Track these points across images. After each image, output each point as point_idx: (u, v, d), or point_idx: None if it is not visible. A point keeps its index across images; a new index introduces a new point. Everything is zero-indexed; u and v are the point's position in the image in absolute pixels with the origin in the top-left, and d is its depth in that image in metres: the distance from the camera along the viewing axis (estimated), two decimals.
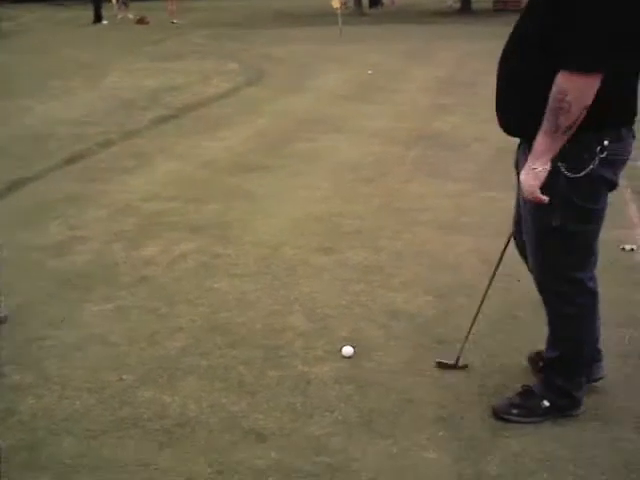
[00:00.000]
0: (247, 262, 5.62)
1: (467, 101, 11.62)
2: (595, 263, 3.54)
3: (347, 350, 4.24)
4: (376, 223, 6.38)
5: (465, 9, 32.17)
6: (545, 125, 3.09)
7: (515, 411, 3.63)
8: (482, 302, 4.03)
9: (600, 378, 3.82)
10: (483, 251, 5.59)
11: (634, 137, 3.32)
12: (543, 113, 3.09)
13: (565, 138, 3.09)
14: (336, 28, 21.87)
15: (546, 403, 3.60)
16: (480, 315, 4.14)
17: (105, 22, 28.69)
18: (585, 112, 3.02)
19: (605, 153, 3.18)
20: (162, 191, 7.41)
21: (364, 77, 14.55)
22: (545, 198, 3.16)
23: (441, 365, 4.10)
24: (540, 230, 3.39)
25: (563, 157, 3.16)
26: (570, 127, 3.05)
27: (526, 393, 3.68)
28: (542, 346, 3.78)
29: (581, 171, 3.19)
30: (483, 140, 8.92)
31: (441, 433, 3.54)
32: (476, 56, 16.70)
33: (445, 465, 3.32)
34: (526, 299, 4.74)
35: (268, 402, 3.82)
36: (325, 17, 26.78)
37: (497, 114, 3.41)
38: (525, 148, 3.32)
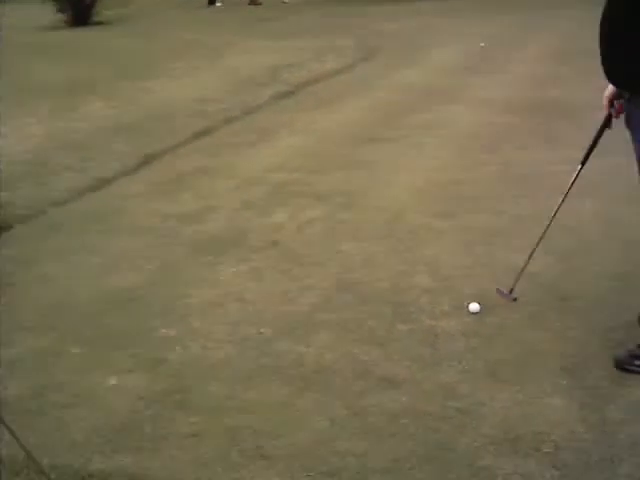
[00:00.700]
0: (371, 227, 5.85)
1: (582, 69, 11.48)
2: None
3: (474, 306, 4.43)
4: (496, 189, 6.53)
5: None
6: None
7: (637, 362, 3.77)
8: (544, 232, 4.42)
9: None
10: (603, 214, 5.72)
11: None
12: None
13: None
14: (448, 1, 21.82)
15: None
16: (606, 273, 4.32)
17: (219, 4, 29.09)
18: None
19: None
20: (286, 163, 7.70)
21: (477, 49, 14.56)
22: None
23: (498, 291, 4.48)
24: None
25: None
26: None
27: None
28: None
29: None
30: (599, 107, 8.86)
31: (565, 382, 3.71)
32: (591, 24, 16.40)
33: (570, 411, 3.49)
34: None
35: (398, 353, 4.05)
36: None
37: (606, 68, 3.55)
38: (636, 101, 3.44)
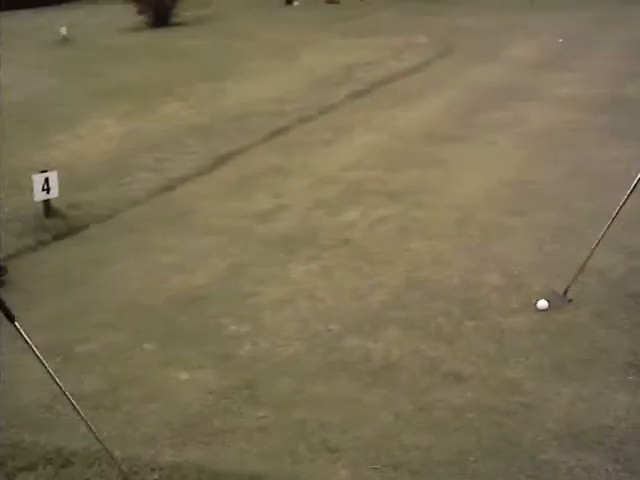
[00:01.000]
0: (442, 225, 5.89)
1: None
2: None
3: (542, 303, 4.45)
4: (568, 187, 6.50)
5: None
6: None
7: None
8: (607, 228, 4.42)
9: None
10: None
11: None
12: None
13: None
14: None
15: None
16: None
17: (296, 3, 29.29)
18: None
19: None
20: (361, 161, 7.77)
21: (554, 45, 14.41)
22: None
23: (552, 292, 4.46)
24: None
25: None
26: None
27: None
28: None
29: None
30: None
31: (631, 377, 3.73)
32: None
33: (634, 406, 3.51)
34: None
35: (465, 349, 4.10)
36: None
37: None
38: None
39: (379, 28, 18.66)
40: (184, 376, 4.08)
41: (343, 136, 8.89)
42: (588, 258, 4.45)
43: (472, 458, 3.25)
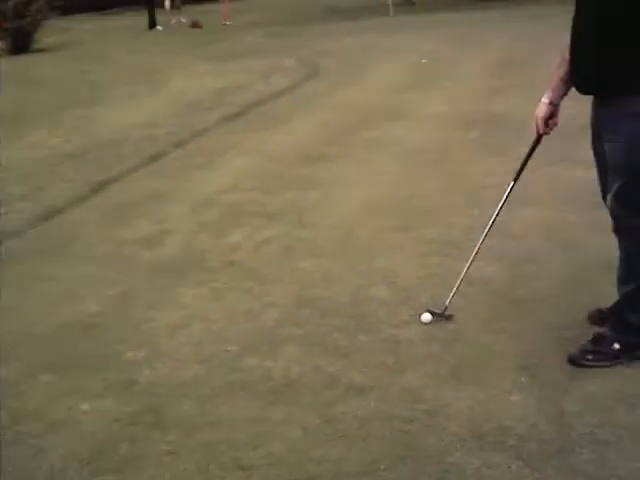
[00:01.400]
0: (327, 243, 6.01)
1: (520, 82, 11.84)
2: None
3: (426, 316, 4.59)
4: (445, 202, 6.72)
5: None
6: None
7: (589, 356, 3.98)
8: (481, 243, 4.62)
9: None
10: (547, 221, 5.95)
11: None
12: (637, 64, 3.59)
13: None
14: (386, 19, 22.18)
15: (617, 345, 3.95)
16: (552, 276, 4.54)
17: (160, 28, 29.26)
18: None
19: None
20: (238, 183, 7.84)
21: (418, 65, 14.84)
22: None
23: (431, 312, 4.57)
24: (632, 169, 3.74)
25: None
26: None
27: (598, 339, 4.04)
28: (608, 303, 4.16)
29: None
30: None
31: (523, 379, 3.90)
32: (525, 38, 16.89)
33: (530, 405, 3.68)
34: (592, 262, 5.10)
35: (363, 362, 4.21)
36: (374, 8, 27.07)
37: (582, 77, 3.87)
38: (609, 105, 3.77)
39: (245, 52, 18.86)
40: (85, 406, 4.04)
41: (218, 159, 8.95)
42: (465, 273, 4.63)
43: (382, 466, 3.34)
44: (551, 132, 4.26)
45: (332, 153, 8.71)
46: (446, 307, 4.56)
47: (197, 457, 3.54)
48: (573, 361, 3.99)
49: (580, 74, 3.92)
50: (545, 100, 4.16)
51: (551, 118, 4.20)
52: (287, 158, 8.71)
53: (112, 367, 4.42)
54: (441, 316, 4.56)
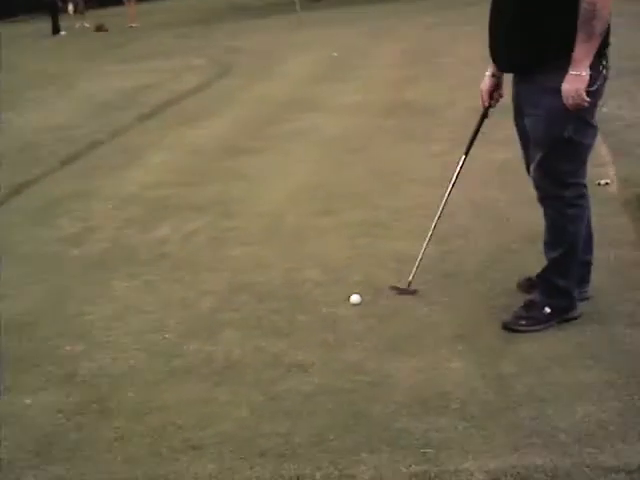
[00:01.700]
0: (255, 231, 6.05)
1: (433, 70, 12.10)
2: (586, 173, 4.09)
3: (355, 298, 4.67)
4: (369, 186, 6.83)
5: None
6: (581, 36, 3.64)
7: (522, 322, 4.13)
8: (436, 221, 4.74)
9: (587, 298, 4.30)
10: (472, 199, 6.08)
11: None
12: (553, 42, 3.75)
13: (598, 43, 3.66)
14: (293, 16, 22.21)
15: (547, 309, 4.11)
16: (481, 250, 4.69)
17: (63, 33, 28.85)
18: (609, 17, 3.66)
19: (605, 71, 3.82)
20: (160, 179, 7.83)
21: (329, 59, 14.97)
22: (587, 98, 3.71)
23: (395, 289, 4.70)
24: (553, 141, 3.89)
25: None
26: (602, 32, 3.66)
27: (529, 304, 4.19)
28: (535, 272, 4.31)
29: (592, 86, 3.73)
30: (453, 104, 9.43)
31: (460, 347, 4.02)
32: (434, 29, 17.22)
33: (469, 371, 3.79)
34: (517, 235, 5.26)
35: (303, 340, 4.28)
36: (281, 6, 27.09)
37: (504, 56, 4.02)
38: (529, 82, 3.92)
39: (153, 52, 18.77)
40: (28, 400, 4.01)
41: (138, 157, 8.91)
42: (424, 250, 4.73)
43: (331, 436, 3.41)
44: (496, 105, 4.35)
45: (253, 146, 8.75)
46: (410, 282, 4.66)
47: (147, 440, 3.56)
48: (507, 327, 4.13)
49: (500, 53, 4.07)
50: (488, 73, 4.27)
51: (496, 90, 4.29)
52: (208, 152, 8.73)
53: (51, 361, 4.39)
54: (406, 291, 4.66)
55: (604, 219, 5.40)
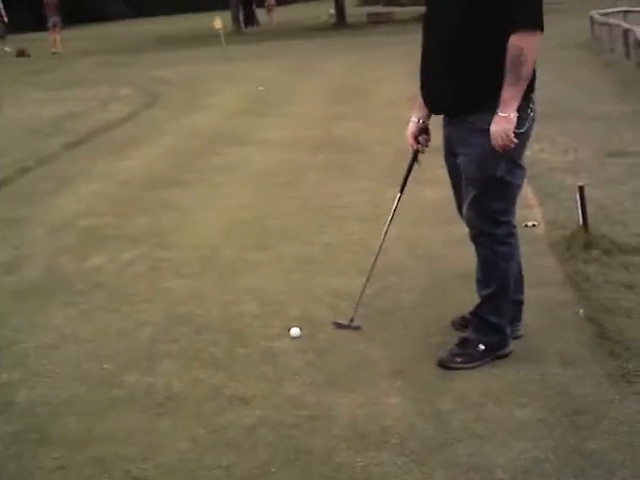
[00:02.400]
0: (191, 263, 6.09)
1: (361, 108, 12.31)
2: (515, 212, 4.25)
3: (294, 331, 4.75)
4: (301, 221, 6.93)
5: (341, 23, 33.06)
6: (509, 79, 3.81)
7: (458, 359, 4.25)
8: (376, 258, 4.84)
9: (519, 336, 4.44)
10: (404, 237, 6.21)
11: None
12: (483, 85, 3.92)
13: (525, 86, 3.84)
14: (218, 48, 22.40)
15: (482, 347, 4.24)
16: (416, 287, 4.82)
17: None
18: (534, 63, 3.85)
19: (532, 114, 3.98)
20: (91, 208, 7.82)
21: (256, 93, 15.11)
22: (515, 140, 3.87)
23: (337, 325, 4.78)
24: (485, 180, 4.04)
25: None
26: (528, 76, 3.84)
27: (463, 342, 4.32)
28: (467, 309, 4.46)
29: (521, 128, 3.90)
30: (383, 142, 9.60)
31: (399, 383, 4.11)
32: (361, 65, 17.54)
33: (407, 407, 3.89)
34: (450, 272, 5.40)
35: (243, 373, 4.33)
36: (205, 38, 27.29)
37: (434, 99, 4.18)
38: (460, 123, 4.06)
39: (78, 80, 18.75)
40: None
41: (67, 185, 8.88)
42: (364, 287, 4.83)
43: (273, 469, 3.47)
44: (426, 149, 4.47)
45: (183, 178, 8.81)
46: (352, 319, 4.74)
47: (88, 471, 3.58)
48: (443, 364, 4.25)
49: (431, 95, 4.23)
50: (413, 119, 4.42)
51: (422, 134, 4.42)
52: (138, 183, 8.74)
53: None
54: (348, 327, 4.73)
55: (532, 259, 5.58)
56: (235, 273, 5.83)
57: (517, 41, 3.77)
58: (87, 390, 4.29)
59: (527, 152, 7.71)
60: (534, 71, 3.96)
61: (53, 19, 29.93)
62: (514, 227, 4.24)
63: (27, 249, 6.69)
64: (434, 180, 6.30)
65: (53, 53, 28.04)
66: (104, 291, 5.67)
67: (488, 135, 3.92)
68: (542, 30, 3.82)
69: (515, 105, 3.85)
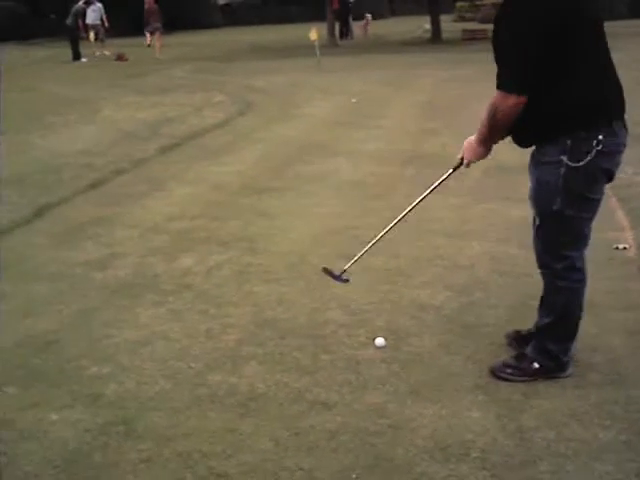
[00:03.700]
0: (278, 269, 6.17)
1: (451, 123, 12.24)
2: (585, 245, 4.17)
3: (379, 341, 4.79)
4: (389, 233, 6.90)
5: (436, 38, 33.00)
6: (483, 124, 4.02)
7: (509, 370, 4.29)
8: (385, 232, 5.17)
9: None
10: (490, 253, 6.22)
11: (626, 129, 4.01)
12: (536, 127, 3.96)
13: (488, 137, 4.07)
14: (312, 59, 22.52)
15: (536, 365, 4.25)
16: (500, 304, 4.85)
17: (84, 59, 29.21)
18: (509, 122, 3.92)
19: (601, 146, 3.86)
20: (184, 212, 7.96)
21: (349, 105, 15.19)
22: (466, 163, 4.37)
23: (325, 271, 5.13)
24: (542, 212, 4.06)
25: (564, 150, 3.87)
26: (493, 130, 4.01)
27: (520, 356, 4.36)
28: None
29: (578, 162, 3.86)
30: None
31: (481, 397, 4.11)
32: (452, 82, 17.46)
33: (489, 421, 3.89)
34: (534, 291, 5.33)
35: (326, 379, 4.38)
36: (300, 49, 27.48)
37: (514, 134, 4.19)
38: (532, 154, 4.12)
39: (174, 85, 19.03)
40: (54, 416, 4.12)
41: (161, 188, 9.06)
42: (372, 243, 5.08)
43: (354, 475, 3.51)
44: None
45: (273, 185, 8.91)
46: (344, 270, 5.01)
47: (172, 466, 3.66)
48: (493, 372, 4.31)
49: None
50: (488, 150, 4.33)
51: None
52: (231, 188, 8.87)
53: (77, 381, 4.50)
54: (338, 278, 5.05)
55: (621, 283, 5.55)
56: (322, 281, 5.85)
57: (494, 97, 3.89)
58: (173, 387, 4.38)
59: (620, 174, 7.73)
60: (616, 94, 3.97)
61: (154, 25, 30.63)
62: (578, 261, 4.14)
63: (118, 248, 6.85)
64: (522, 199, 6.25)
65: (156, 58, 28.57)
66: (192, 292, 5.77)
67: (546, 167, 3.95)
68: (520, 94, 3.81)
69: (482, 142, 4.15)
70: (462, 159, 4.49)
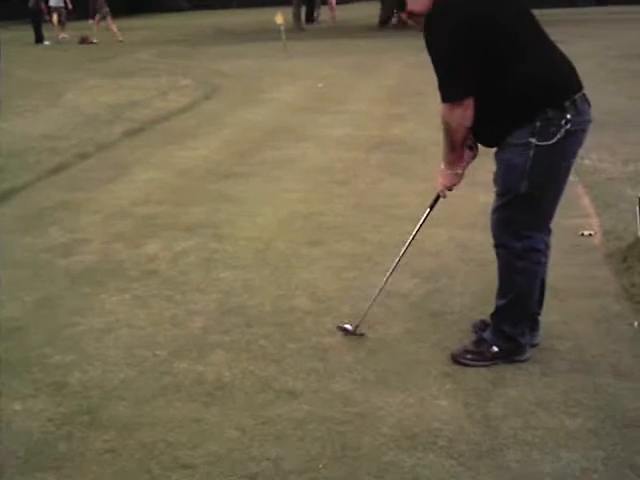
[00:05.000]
0: (245, 255, 6.13)
1: (418, 109, 12.23)
2: (547, 227, 4.18)
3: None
4: (356, 219, 6.93)
5: (402, 24, 32.92)
6: (445, 144, 4.10)
7: (469, 356, 4.31)
8: (399, 260, 4.79)
9: (536, 344, 4.42)
10: (458, 239, 6.22)
11: (589, 103, 4.02)
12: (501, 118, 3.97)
13: (453, 149, 4.10)
14: (278, 44, 22.39)
15: (495, 349, 4.27)
16: (466, 291, 4.82)
17: (47, 42, 28.89)
18: (467, 129, 3.97)
19: (569, 125, 3.86)
20: (148, 196, 7.89)
21: (316, 90, 15.14)
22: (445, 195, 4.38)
23: (341, 329, 4.73)
24: (508, 194, 4.03)
25: (533, 133, 3.88)
26: (462, 141, 4.05)
27: (478, 341, 4.37)
28: None
29: (549, 140, 3.86)
30: (437, 143, 9.45)
31: (448, 385, 4.10)
32: (419, 67, 17.26)
33: (457, 410, 3.88)
34: None
35: (293, 367, 4.35)
36: (266, 33, 27.34)
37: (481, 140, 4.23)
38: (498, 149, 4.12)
39: (139, 69, 18.89)
40: (17, 406, 4.05)
41: (125, 172, 8.98)
42: (386, 282, 4.77)
43: (321, 465, 3.48)
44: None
45: (239, 170, 8.85)
46: (357, 326, 4.70)
47: (138, 456, 3.61)
48: (454, 358, 4.32)
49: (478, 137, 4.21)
50: (459, 171, 4.29)
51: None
52: (196, 173, 8.81)
53: (41, 369, 4.44)
54: (353, 333, 4.69)
55: (587, 270, 5.56)
56: (288, 267, 5.85)
57: (443, 112, 3.95)
58: (138, 376, 4.34)
59: (586, 161, 7.83)
60: (569, 71, 4.00)
61: (104, 10, 30.38)
62: (540, 243, 4.14)
63: (82, 234, 6.77)
64: (488, 184, 6.24)
65: (119, 41, 28.30)
66: (158, 279, 5.72)
67: (515, 150, 3.94)
68: (463, 99, 3.87)
69: (454, 166, 4.20)
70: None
